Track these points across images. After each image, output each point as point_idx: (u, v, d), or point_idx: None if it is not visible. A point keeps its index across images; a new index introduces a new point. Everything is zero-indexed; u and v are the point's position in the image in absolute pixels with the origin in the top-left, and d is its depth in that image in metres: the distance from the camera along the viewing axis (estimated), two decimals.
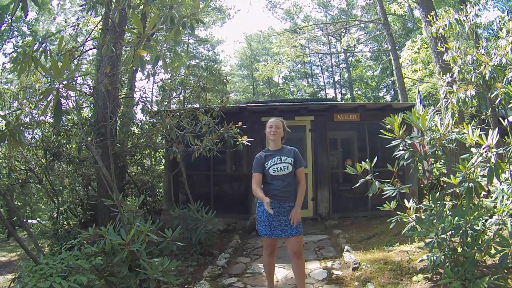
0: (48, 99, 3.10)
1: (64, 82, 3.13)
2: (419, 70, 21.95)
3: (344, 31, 31.16)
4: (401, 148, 5.09)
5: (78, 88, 8.34)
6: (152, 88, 18.65)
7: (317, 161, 10.35)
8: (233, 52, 51.55)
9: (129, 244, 4.61)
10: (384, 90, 37.34)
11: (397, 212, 5.35)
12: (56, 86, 3.07)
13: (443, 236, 4.31)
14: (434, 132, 4.85)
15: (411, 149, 5.04)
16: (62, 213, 9.89)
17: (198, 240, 7.31)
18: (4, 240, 13.45)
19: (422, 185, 10.68)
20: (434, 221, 4.44)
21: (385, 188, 5.21)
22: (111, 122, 7.55)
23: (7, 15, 20.19)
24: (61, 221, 9.83)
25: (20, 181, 9.37)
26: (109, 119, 6.69)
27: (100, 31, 9.61)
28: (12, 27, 23.04)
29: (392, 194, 5.15)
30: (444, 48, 7.17)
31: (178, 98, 9.94)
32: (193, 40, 31.17)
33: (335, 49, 37.61)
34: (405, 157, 4.98)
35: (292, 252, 4.85)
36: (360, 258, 6.51)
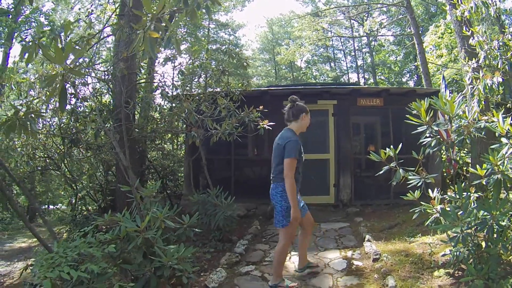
0: (54, 86, 2.88)
1: (70, 67, 2.91)
2: (443, 55, 21.37)
3: (366, 14, 30.55)
4: (427, 135, 4.77)
5: (94, 75, 8.26)
6: (173, 73, 18.52)
7: (339, 146, 10.04)
8: (255, 36, 51.24)
9: (144, 231, 4.46)
10: (408, 75, 36.53)
11: (421, 203, 5.07)
12: (60, 72, 2.84)
13: (468, 231, 4.03)
14: (462, 119, 4.54)
15: (438, 136, 4.72)
16: (81, 199, 9.85)
17: (217, 226, 7.18)
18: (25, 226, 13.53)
19: (445, 174, 10.31)
20: (460, 213, 4.16)
21: (409, 177, 4.88)
22: (127, 107, 7.42)
23: (23, 7, 20.15)
24: (79, 207, 9.80)
25: (39, 168, 9.36)
26: (123, 104, 6.51)
27: (117, 17, 9.39)
28: (29, 18, 23.03)
29: (417, 183, 4.84)
30: (470, 32, 6.86)
31: (198, 83, 9.74)
32: (213, 24, 30.79)
33: (357, 33, 36.89)
34: (432, 144, 4.65)
35: (307, 224, 5.44)
36: (381, 249, 6.27)
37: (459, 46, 9.75)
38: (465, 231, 4.02)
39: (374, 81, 35.69)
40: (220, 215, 7.10)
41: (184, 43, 24.58)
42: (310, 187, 9.33)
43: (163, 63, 19.25)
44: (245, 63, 8.95)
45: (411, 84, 34.87)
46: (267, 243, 7.42)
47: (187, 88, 9.21)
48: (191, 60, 9.60)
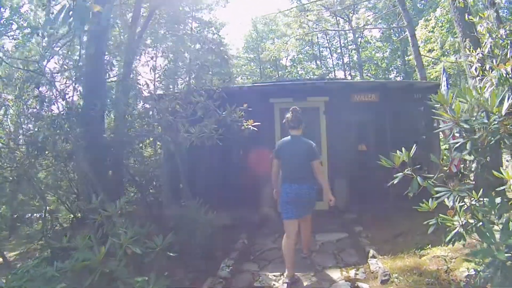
0: None
1: None
2: (435, 49, 20.64)
3: (352, 11, 29.84)
4: (456, 134, 3.75)
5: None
6: (154, 75, 17.44)
7: (332, 147, 9.10)
8: (239, 35, 50.28)
9: (105, 261, 3.56)
10: (395, 71, 35.83)
11: (441, 216, 4.10)
12: None
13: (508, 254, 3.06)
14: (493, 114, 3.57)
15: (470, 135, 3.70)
16: (51, 212, 8.87)
17: (198, 244, 6.14)
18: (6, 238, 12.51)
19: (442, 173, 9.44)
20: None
21: (436, 189, 3.87)
22: (94, 109, 6.49)
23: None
24: (50, 221, 8.82)
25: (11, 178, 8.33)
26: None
27: None
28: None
29: (448, 198, 3.76)
30: (478, 18, 6.26)
31: (183, 84, 8.80)
32: (197, 23, 29.74)
33: (343, 31, 36.16)
34: (467, 147, 3.54)
35: None
36: (388, 266, 5.45)
37: (460, 36, 8.95)
38: (505, 255, 3.04)
39: (361, 78, 34.90)
40: (200, 233, 6.10)
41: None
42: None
43: (145, 63, 18.14)
44: (225, 56, 7.96)
45: (399, 80, 34.17)
46: (256, 261, 6.53)
47: (170, 88, 8.25)
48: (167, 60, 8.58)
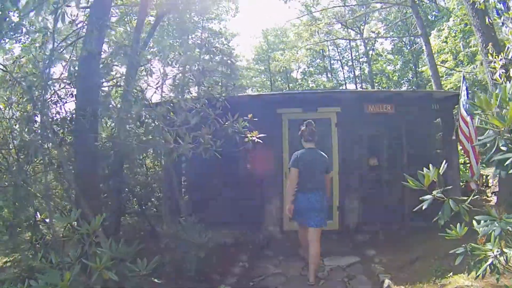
0: None
1: None
2: (448, 59, 19.92)
3: (363, 23, 29.25)
4: (502, 146, 2.92)
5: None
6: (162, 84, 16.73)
7: (344, 162, 8.36)
8: (249, 46, 49.83)
9: None
10: (406, 84, 35.05)
11: (474, 246, 3.43)
12: None
13: None
14: None
15: None
16: (41, 221, 8.22)
17: (192, 266, 5.44)
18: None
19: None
20: None
21: (478, 218, 3.13)
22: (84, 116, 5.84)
23: None
24: (41, 231, 8.18)
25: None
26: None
27: None
28: None
29: (489, 231, 3.00)
30: (502, 19, 6.02)
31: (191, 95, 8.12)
32: (206, 33, 29.30)
33: (354, 43, 35.54)
34: None
35: None
36: None
37: (481, 41, 8.25)
38: None
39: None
40: (193, 257, 5.39)
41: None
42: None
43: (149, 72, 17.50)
44: (229, 60, 7.27)
45: None
46: None
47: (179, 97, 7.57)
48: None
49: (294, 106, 8.14)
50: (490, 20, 6.45)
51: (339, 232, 8.07)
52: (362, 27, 30.30)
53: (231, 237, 8.16)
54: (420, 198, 3.48)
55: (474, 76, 16.76)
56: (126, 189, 9.97)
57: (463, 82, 7.65)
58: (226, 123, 5.94)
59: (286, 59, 23.28)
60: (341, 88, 34.14)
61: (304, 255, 6.48)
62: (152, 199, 10.84)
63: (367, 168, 8.96)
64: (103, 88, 7.60)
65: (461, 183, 10.44)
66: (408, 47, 31.81)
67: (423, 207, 3.27)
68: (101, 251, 3.69)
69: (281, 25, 35.01)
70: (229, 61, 29.87)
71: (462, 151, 8.58)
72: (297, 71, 38.29)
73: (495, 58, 6.00)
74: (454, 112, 9.35)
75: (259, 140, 5.91)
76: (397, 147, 8.76)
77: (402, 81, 35.27)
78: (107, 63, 7.62)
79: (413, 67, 31.64)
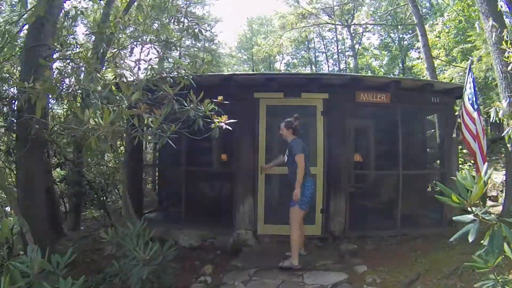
0: None
1: None
2: (440, 55, 18.88)
3: (351, 17, 28.11)
4: None
5: None
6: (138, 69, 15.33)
7: (330, 158, 6.97)
8: (233, 33, 48.55)
9: None
10: None
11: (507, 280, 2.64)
12: None
13: None
14: None
15: None
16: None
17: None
18: None
19: None
20: None
21: None
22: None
23: None
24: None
25: None
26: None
27: None
28: None
29: None
30: None
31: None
32: (188, 18, 27.79)
33: (341, 36, 34.44)
34: None
35: None
36: None
37: (489, 30, 7.09)
38: None
39: None
40: (137, 273, 4.12)
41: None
42: (283, 213, 6.41)
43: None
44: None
45: None
46: None
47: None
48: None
49: (274, 90, 6.77)
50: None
51: (322, 238, 6.82)
52: (350, 20, 29.02)
53: (198, 239, 7.06)
54: (455, 218, 2.31)
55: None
56: (86, 181, 8.86)
57: (469, 73, 6.54)
58: (191, 105, 4.72)
59: (269, 44, 21.94)
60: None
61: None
62: (116, 191, 9.81)
63: (356, 165, 7.79)
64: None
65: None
66: (396, 43, 30.75)
67: (469, 239, 2.06)
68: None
69: (267, 13, 33.88)
70: (211, 47, 28.65)
71: (467, 150, 7.54)
72: (281, 62, 37.25)
73: (509, 47, 5.54)
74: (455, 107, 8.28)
75: (227, 127, 4.67)
76: (391, 143, 7.63)
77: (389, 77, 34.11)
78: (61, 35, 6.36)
79: (400, 63, 30.50)
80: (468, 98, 6.29)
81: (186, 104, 4.84)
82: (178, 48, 6.55)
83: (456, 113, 7.46)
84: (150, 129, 4.10)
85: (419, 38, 13.71)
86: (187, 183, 7.71)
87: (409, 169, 7.42)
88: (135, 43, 5.97)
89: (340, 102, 7.07)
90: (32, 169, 5.34)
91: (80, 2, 8.55)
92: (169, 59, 6.22)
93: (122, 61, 6.34)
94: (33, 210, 5.29)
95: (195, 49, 27.58)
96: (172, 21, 5.65)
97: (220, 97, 5.01)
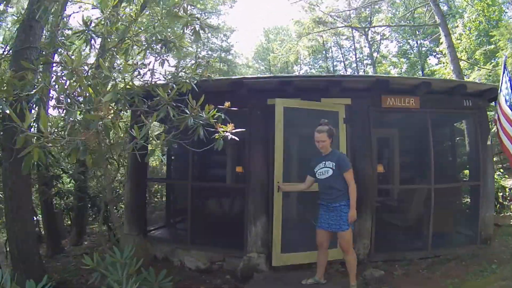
0: None
1: None
2: (462, 59, 17.89)
3: (368, 24, 27.19)
4: None
5: None
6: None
7: (354, 172, 5.37)
8: (249, 44, 48.06)
9: None
10: None
11: None
12: None
13: None
14: None
15: None
16: None
17: None
18: None
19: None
20: None
21: None
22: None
23: None
24: None
25: None
26: None
27: None
28: None
29: None
30: None
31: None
32: (204, 28, 27.25)
33: (358, 44, 33.58)
34: None
35: (340, 247, 5.09)
36: None
37: None
38: None
39: None
40: None
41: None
42: (306, 236, 5.66)
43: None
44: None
45: None
46: None
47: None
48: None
49: (290, 95, 5.91)
50: None
51: (344, 262, 5.92)
52: (367, 30, 28.18)
53: (205, 261, 6.28)
54: None
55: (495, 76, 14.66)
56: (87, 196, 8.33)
57: (504, 72, 5.73)
58: (196, 112, 4.02)
59: (286, 50, 21.12)
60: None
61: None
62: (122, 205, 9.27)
63: (382, 177, 6.93)
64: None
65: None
66: (416, 49, 29.71)
67: None
68: None
69: (283, 22, 33.25)
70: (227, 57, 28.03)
71: (504, 155, 7.11)
72: (299, 72, 36.34)
73: None
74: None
75: (234, 137, 3.90)
76: (422, 153, 6.76)
77: None
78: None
79: (420, 70, 29.39)
80: (505, 99, 5.62)
81: (188, 111, 4.11)
82: (179, 49, 5.74)
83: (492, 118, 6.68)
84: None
85: (443, 39, 12.82)
86: (193, 199, 6.94)
87: (439, 181, 6.54)
88: (129, 42, 5.22)
89: (365, 108, 6.21)
90: (18, 182, 4.96)
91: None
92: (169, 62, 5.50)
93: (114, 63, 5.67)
94: (18, 226, 4.94)
95: (211, 59, 27.03)
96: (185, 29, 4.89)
97: (227, 103, 4.29)
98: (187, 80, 4.81)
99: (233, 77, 7.08)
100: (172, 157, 9.47)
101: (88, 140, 3.56)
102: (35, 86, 4.16)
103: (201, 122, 4.04)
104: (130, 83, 4.56)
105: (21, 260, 4.96)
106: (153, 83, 4.90)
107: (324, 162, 5.05)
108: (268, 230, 6.01)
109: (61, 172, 7.81)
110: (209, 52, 27.68)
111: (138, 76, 5.03)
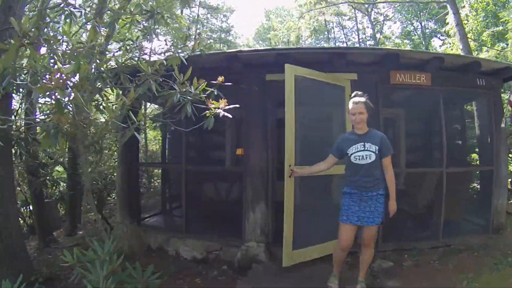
0: None
1: None
2: (470, 39, 17.26)
3: (371, 6, 26.58)
4: None
5: None
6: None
7: None
8: (250, 24, 47.37)
9: None
10: None
11: None
12: None
13: None
14: None
15: None
16: None
17: None
18: None
19: None
20: None
21: None
22: None
23: None
24: None
25: None
26: None
27: None
28: None
29: None
30: None
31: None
32: (203, 9, 26.64)
33: (361, 25, 32.91)
34: None
35: (363, 240, 4.37)
36: None
37: None
38: None
39: None
40: None
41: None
42: (316, 228, 5.22)
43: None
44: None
45: None
46: None
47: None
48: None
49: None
50: None
51: (351, 253, 5.41)
52: (370, 9, 27.57)
53: (201, 250, 5.84)
54: None
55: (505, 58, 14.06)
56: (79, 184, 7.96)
57: None
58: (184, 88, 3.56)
59: (287, 28, 20.52)
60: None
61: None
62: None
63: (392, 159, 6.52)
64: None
65: None
66: (419, 30, 29.08)
67: None
68: None
69: (284, 3, 32.58)
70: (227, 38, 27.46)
71: None
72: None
73: None
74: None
75: (226, 114, 3.41)
76: (433, 134, 6.26)
77: None
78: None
79: (425, 49, 28.82)
80: None
81: (176, 87, 3.64)
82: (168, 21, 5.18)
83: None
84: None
85: (451, 17, 12.17)
86: (188, 185, 6.46)
87: (450, 166, 6.05)
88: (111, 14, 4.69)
89: (372, 84, 5.63)
90: None
91: None
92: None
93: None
94: (0, 220, 4.59)
95: (211, 40, 26.40)
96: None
97: (220, 78, 3.80)
98: (176, 54, 4.30)
99: (227, 51, 6.53)
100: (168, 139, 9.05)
101: (60, 122, 3.11)
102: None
103: (189, 98, 3.55)
104: (114, 59, 4.12)
105: (6, 255, 4.59)
106: (140, 59, 4.39)
107: (363, 143, 4.14)
108: (268, 218, 5.55)
109: (49, 160, 7.38)
110: (209, 33, 27.06)
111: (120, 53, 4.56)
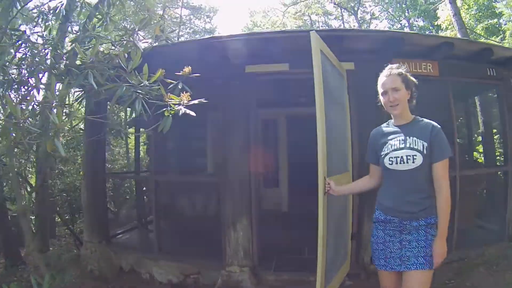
0: None
1: None
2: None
3: (357, 4, 26.21)
4: None
5: None
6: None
7: (362, 159, 3.59)
8: (234, 25, 46.88)
9: None
10: None
11: None
12: None
13: None
14: None
15: None
16: None
17: None
18: None
19: None
20: None
21: None
22: None
23: None
24: None
25: None
26: None
27: None
28: None
29: None
30: None
31: None
32: (188, 10, 25.90)
33: (348, 24, 32.31)
34: None
35: None
36: None
37: None
38: None
39: None
40: None
41: None
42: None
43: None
44: None
45: None
46: None
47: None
48: None
49: (275, 60, 4.49)
50: None
51: (354, 275, 4.47)
52: (356, 8, 27.06)
53: (177, 273, 5.02)
54: None
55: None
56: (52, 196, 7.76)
57: None
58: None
59: (271, 23, 19.75)
60: None
61: None
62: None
63: None
64: None
65: None
66: (407, 28, 28.61)
67: None
68: None
69: (269, 3, 31.86)
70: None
71: None
72: None
73: None
74: None
75: (189, 111, 2.48)
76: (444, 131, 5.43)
77: None
78: None
79: None
80: None
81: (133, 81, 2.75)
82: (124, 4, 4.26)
83: None
84: None
85: (448, 6, 11.39)
86: (158, 197, 5.54)
87: (464, 168, 5.25)
88: None
89: (371, 73, 4.69)
90: None
91: None
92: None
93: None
94: None
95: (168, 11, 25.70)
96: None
97: (187, 68, 2.91)
98: (127, 39, 3.40)
99: (200, 38, 5.63)
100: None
101: None
102: None
103: (138, 92, 2.65)
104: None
105: None
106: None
107: (403, 138, 2.61)
108: (252, 236, 4.62)
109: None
110: (192, 35, 26.22)
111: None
